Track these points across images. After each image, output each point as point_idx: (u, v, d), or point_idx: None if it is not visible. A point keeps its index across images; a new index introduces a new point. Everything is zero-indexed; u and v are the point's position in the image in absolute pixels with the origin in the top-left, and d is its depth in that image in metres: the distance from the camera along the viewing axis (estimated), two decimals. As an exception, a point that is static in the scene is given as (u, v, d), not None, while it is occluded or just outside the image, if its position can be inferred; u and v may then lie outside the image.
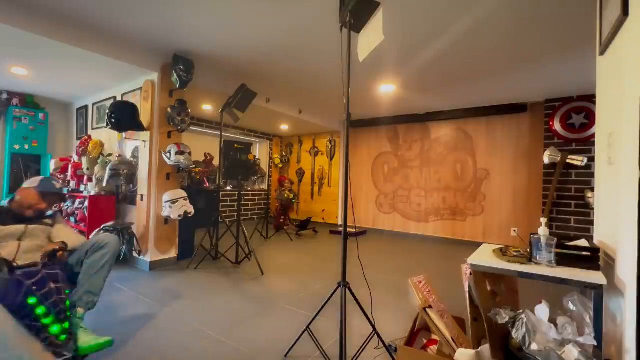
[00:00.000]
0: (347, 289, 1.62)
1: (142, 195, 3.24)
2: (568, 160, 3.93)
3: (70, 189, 3.83)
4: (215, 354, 1.73)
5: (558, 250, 1.23)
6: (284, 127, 6.30)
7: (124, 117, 2.95)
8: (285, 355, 1.71)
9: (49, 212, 1.79)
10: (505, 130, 4.72)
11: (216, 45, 2.91)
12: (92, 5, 2.31)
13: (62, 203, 1.30)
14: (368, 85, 3.93)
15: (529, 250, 1.31)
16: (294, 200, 5.69)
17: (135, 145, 3.41)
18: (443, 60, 3.10)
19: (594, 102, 3.83)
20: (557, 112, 4.15)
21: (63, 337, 1.36)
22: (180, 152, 3.07)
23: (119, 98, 3.63)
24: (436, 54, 2.93)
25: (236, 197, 5.93)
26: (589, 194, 3.83)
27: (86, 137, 3.75)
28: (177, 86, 3.05)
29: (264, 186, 6.97)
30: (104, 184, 3.29)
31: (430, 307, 1.53)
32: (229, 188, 6.12)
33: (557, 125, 4.14)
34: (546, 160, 4.02)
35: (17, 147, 4.04)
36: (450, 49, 2.82)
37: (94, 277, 1.66)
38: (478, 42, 2.70)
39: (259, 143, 7.17)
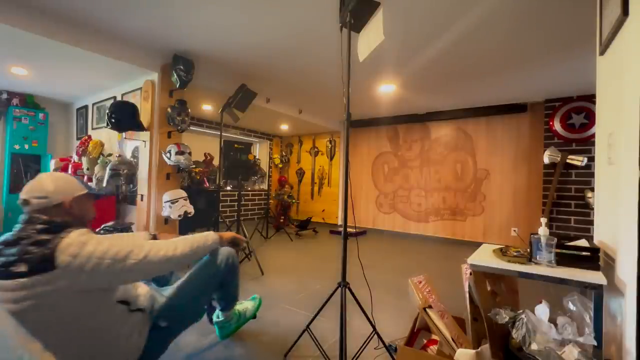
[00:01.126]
0: (347, 289, 1.62)
1: (142, 195, 3.24)
2: (568, 160, 3.93)
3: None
4: (214, 354, 1.73)
5: (558, 250, 1.23)
6: (284, 127, 6.30)
7: (124, 117, 2.95)
8: (285, 355, 1.71)
9: None
10: (505, 130, 4.72)
11: (216, 45, 2.91)
12: (92, 5, 2.31)
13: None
14: (368, 85, 3.93)
15: (529, 250, 1.31)
16: (293, 201, 5.70)
17: (135, 145, 3.41)
18: (443, 60, 3.10)
19: (594, 102, 3.83)
20: (557, 112, 4.15)
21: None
22: (180, 152, 3.07)
23: (119, 98, 3.63)
24: (436, 53, 2.93)
25: (236, 197, 5.93)
26: (589, 194, 3.83)
27: (86, 137, 3.75)
28: (177, 86, 3.05)
29: (264, 186, 6.97)
30: (104, 184, 3.29)
31: (430, 307, 1.53)
32: (229, 188, 6.12)
33: (557, 125, 4.14)
34: (546, 160, 4.03)
35: (17, 147, 4.04)
36: (450, 48, 2.82)
37: None
38: (478, 42, 2.70)
39: (259, 143, 7.17)
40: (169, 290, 1.42)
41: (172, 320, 1.33)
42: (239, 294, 1.74)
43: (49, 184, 1.12)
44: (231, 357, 1.72)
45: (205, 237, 1.35)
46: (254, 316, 1.89)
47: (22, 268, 0.94)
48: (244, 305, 1.85)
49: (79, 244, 1.00)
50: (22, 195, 1.09)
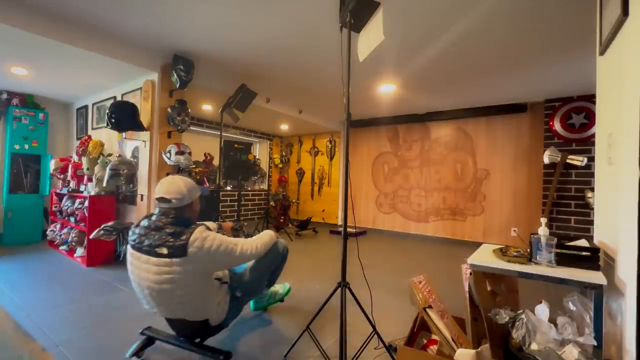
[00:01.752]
0: (347, 289, 1.62)
1: (142, 195, 3.24)
2: (568, 160, 3.93)
3: (70, 189, 3.83)
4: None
5: (558, 250, 1.23)
6: (284, 127, 6.30)
7: (124, 117, 2.95)
8: (285, 355, 1.71)
9: None
10: (505, 130, 4.72)
11: (216, 45, 2.91)
12: (92, 5, 2.31)
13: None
14: (368, 85, 3.93)
15: (529, 250, 1.31)
16: (293, 201, 5.68)
17: (135, 145, 3.41)
18: (443, 60, 3.10)
19: (594, 102, 3.83)
20: (557, 112, 4.15)
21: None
22: (180, 152, 3.07)
23: (119, 98, 3.63)
24: (436, 53, 2.93)
25: (236, 197, 5.93)
26: (589, 194, 3.83)
27: (86, 137, 3.75)
28: (177, 86, 3.05)
29: (264, 186, 6.97)
30: (104, 184, 3.29)
31: (430, 307, 1.53)
32: (229, 188, 6.12)
33: (557, 125, 4.14)
34: (546, 160, 4.02)
35: (17, 147, 4.04)
36: (450, 48, 2.82)
37: None
38: (478, 42, 2.70)
39: (259, 143, 7.16)
40: (242, 271, 1.82)
41: (245, 292, 1.75)
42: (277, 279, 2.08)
43: (184, 187, 1.50)
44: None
45: (270, 236, 1.78)
46: (281, 300, 2.27)
47: (164, 251, 1.36)
48: (276, 288, 2.22)
49: (202, 239, 1.39)
50: (162, 194, 1.47)
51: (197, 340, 1.64)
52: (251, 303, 2.17)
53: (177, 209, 1.48)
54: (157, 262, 1.37)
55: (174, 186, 1.48)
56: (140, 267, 1.42)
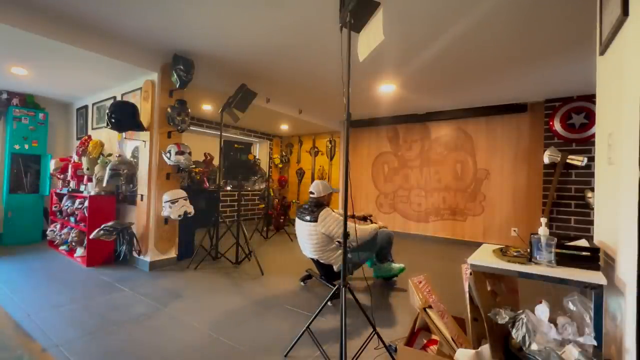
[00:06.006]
0: (347, 289, 1.62)
1: (142, 195, 3.24)
2: (568, 160, 3.93)
3: (70, 189, 3.83)
4: (215, 354, 1.73)
5: (558, 250, 1.23)
6: (284, 127, 6.30)
7: (124, 117, 2.95)
8: (285, 355, 1.71)
9: None
10: (505, 130, 4.72)
11: (216, 45, 2.91)
12: (92, 5, 2.31)
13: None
14: (368, 85, 3.93)
15: (529, 250, 1.31)
16: (294, 202, 5.66)
17: (135, 145, 3.41)
18: (443, 60, 3.09)
19: (594, 102, 3.83)
20: (557, 112, 4.15)
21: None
22: (180, 152, 3.07)
23: (119, 98, 3.63)
24: (436, 53, 2.93)
25: (236, 197, 5.93)
26: (589, 194, 3.83)
27: (86, 137, 3.75)
28: (177, 86, 3.05)
29: (264, 186, 6.96)
30: (104, 184, 3.29)
31: (430, 307, 1.53)
32: (229, 188, 6.11)
33: (557, 125, 4.14)
34: (546, 160, 4.02)
35: (17, 147, 4.04)
36: (450, 49, 2.82)
37: None
38: (478, 42, 2.70)
39: (259, 143, 7.16)
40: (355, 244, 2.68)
41: (353, 256, 2.57)
42: (390, 257, 2.93)
43: (321, 188, 2.67)
44: (230, 356, 1.73)
45: (375, 228, 2.66)
46: (395, 275, 2.92)
47: (309, 218, 2.56)
48: (392, 265, 2.91)
49: (326, 214, 2.50)
50: (313, 189, 2.67)
51: (330, 279, 2.69)
52: (374, 272, 2.94)
53: (317, 198, 2.63)
54: (307, 224, 2.56)
55: (318, 187, 2.66)
56: (301, 229, 2.63)
